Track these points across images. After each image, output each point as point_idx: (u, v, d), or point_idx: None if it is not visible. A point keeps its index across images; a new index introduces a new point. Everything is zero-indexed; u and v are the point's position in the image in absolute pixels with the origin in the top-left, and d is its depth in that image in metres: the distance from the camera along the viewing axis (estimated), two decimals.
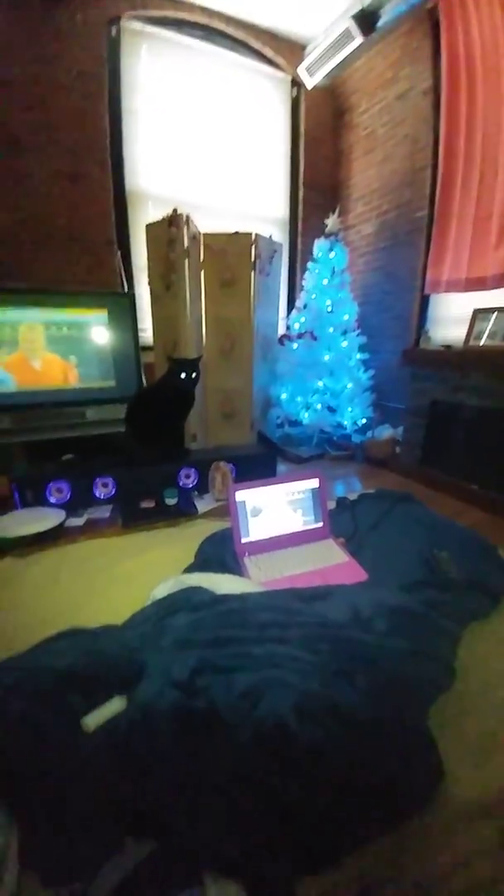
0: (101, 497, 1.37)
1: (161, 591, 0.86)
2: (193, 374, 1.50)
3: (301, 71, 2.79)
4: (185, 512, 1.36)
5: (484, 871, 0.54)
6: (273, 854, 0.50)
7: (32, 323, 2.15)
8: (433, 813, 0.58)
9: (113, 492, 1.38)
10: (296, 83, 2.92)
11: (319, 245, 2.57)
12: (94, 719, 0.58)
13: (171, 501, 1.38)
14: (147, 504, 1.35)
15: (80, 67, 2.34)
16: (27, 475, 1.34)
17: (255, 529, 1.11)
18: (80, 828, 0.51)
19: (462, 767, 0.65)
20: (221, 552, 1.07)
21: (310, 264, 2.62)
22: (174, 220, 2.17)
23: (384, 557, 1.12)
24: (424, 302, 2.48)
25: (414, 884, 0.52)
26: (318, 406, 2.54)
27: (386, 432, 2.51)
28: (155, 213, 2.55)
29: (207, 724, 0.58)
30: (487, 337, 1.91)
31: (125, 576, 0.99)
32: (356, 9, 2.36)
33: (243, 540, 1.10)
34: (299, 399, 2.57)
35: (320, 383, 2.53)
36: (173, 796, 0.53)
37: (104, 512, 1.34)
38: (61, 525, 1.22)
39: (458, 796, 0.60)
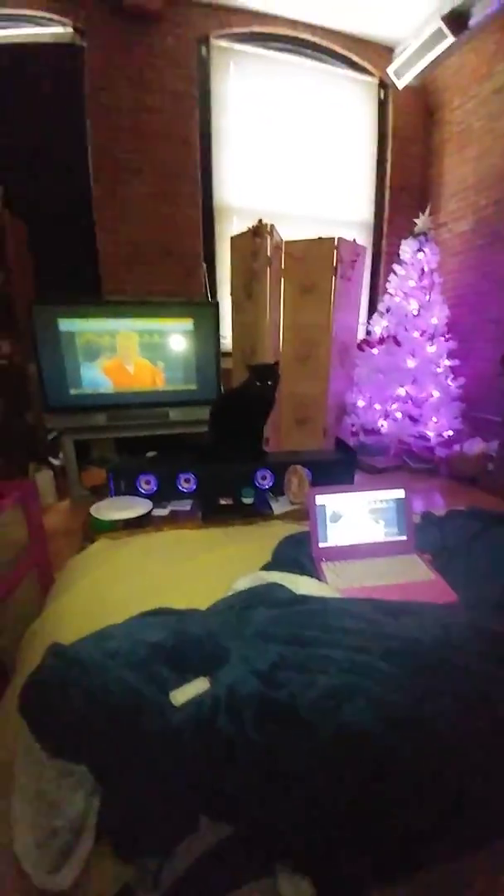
0: (184, 491, 1.45)
1: (242, 583, 0.88)
2: (269, 382, 1.53)
3: (389, 73, 2.75)
4: (260, 512, 1.38)
5: None
6: (347, 855, 0.49)
7: (128, 331, 2.38)
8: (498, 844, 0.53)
9: (194, 487, 1.45)
10: (383, 84, 2.88)
11: (407, 245, 2.46)
12: (182, 694, 0.62)
13: (247, 500, 1.41)
14: (225, 501, 1.40)
15: (171, 88, 2.53)
16: (121, 467, 1.47)
17: (334, 535, 1.09)
18: (162, 800, 0.52)
19: None
20: (298, 554, 1.06)
21: (395, 267, 2.53)
22: (258, 231, 2.26)
23: (476, 581, 1.02)
24: None
25: None
26: (399, 415, 2.42)
27: (476, 446, 2.30)
28: (240, 226, 2.68)
29: (287, 717, 0.58)
30: None
31: (206, 565, 1.03)
32: (446, 9, 2.30)
33: (321, 544, 1.08)
34: (377, 407, 2.47)
35: (402, 391, 2.41)
36: (252, 781, 0.54)
37: (185, 505, 1.42)
38: (149, 514, 1.32)
39: None
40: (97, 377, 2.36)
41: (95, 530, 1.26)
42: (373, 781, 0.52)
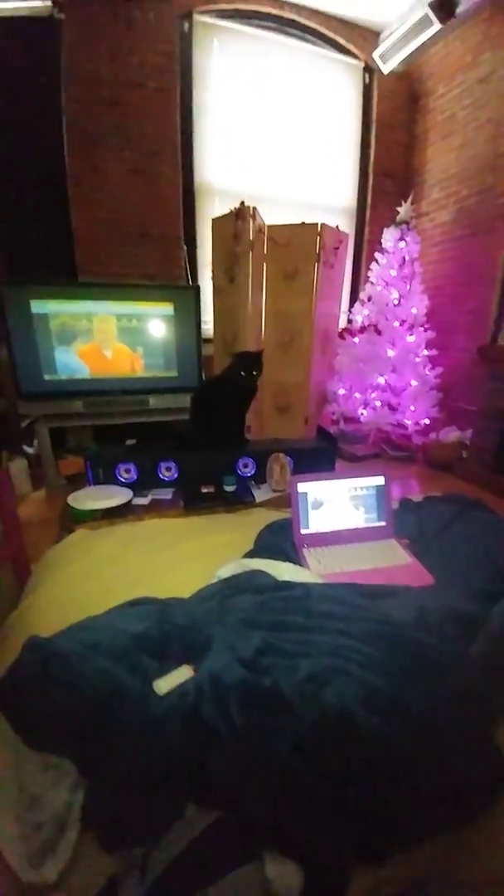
0: (165, 479, 1.43)
1: (225, 571, 0.88)
2: (254, 371, 1.51)
3: (375, 57, 2.69)
4: (242, 499, 1.38)
5: None
6: (330, 836, 0.50)
7: (105, 315, 2.29)
8: (491, 819, 0.55)
9: (175, 475, 1.44)
10: (368, 69, 2.81)
11: (389, 234, 2.46)
12: (165, 683, 0.62)
13: (229, 488, 1.41)
14: (207, 489, 1.39)
15: (152, 63, 2.40)
16: (99, 455, 1.43)
17: (316, 522, 1.10)
18: (147, 790, 0.52)
19: None
20: (281, 541, 1.07)
21: (377, 255, 2.52)
22: (240, 214, 2.20)
23: (451, 563, 1.06)
24: None
25: (464, 884, 0.51)
26: (378, 403, 2.45)
27: (452, 434, 2.37)
28: (221, 207, 2.60)
29: (271, 702, 0.59)
30: None
31: (188, 554, 1.03)
32: None
33: (303, 531, 1.09)
34: (357, 395, 2.50)
35: (381, 379, 2.43)
36: (236, 766, 0.54)
37: (167, 494, 1.41)
38: (129, 503, 1.30)
39: None
40: (73, 362, 2.27)
41: (74, 520, 1.23)
42: (355, 762, 0.53)
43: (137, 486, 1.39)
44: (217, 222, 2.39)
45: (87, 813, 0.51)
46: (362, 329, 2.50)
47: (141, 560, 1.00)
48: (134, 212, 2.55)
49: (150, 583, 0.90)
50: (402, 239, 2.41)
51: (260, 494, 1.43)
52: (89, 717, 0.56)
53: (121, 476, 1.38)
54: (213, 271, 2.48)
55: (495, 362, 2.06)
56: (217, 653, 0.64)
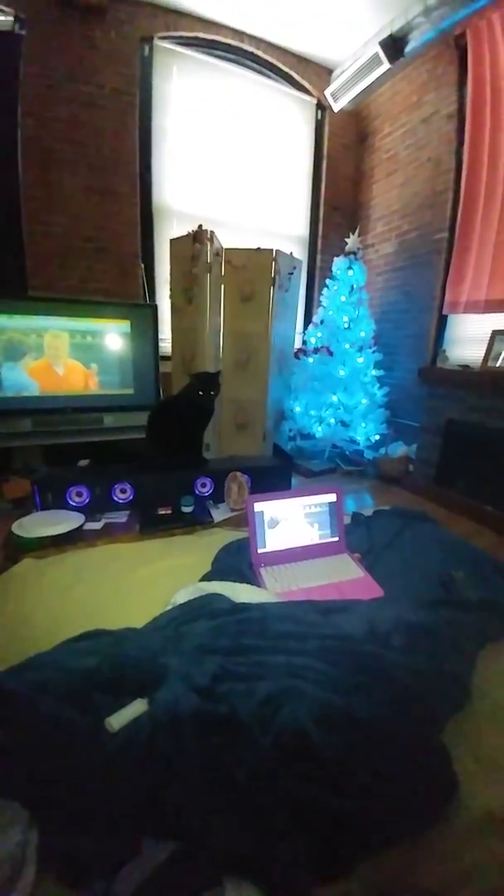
0: (120, 502, 1.39)
1: (181, 596, 0.87)
2: (211, 391, 1.54)
3: (327, 95, 2.86)
4: (200, 520, 1.38)
5: (494, 882, 0.54)
6: (290, 856, 0.51)
7: (58, 331, 2.22)
8: (446, 824, 0.59)
9: (131, 497, 1.40)
10: (321, 106, 3.00)
11: (338, 263, 2.62)
12: (117, 720, 0.60)
13: (187, 509, 1.40)
14: (164, 511, 1.37)
15: (112, 85, 2.43)
16: (49, 478, 1.37)
17: (272, 541, 1.13)
18: (102, 827, 0.52)
19: (474, 783, 0.65)
20: (238, 562, 1.08)
21: (328, 281, 2.67)
22: (198, 236, 2.24)
23: (399, 574, 1.12)
24: (442, 322, 2.50)
25: (425, 891, 0.53)
26: (332, 420, 2.56)
27: (399, 449, 2.52)
28: (179, 229, 2.63)
29: (229, 729, 0.59)
30: None
31: (143, 581, 1.01)
32: (385, 34, 2.36)
33: (260, 550, 1.11)
34: (313, 413, 2.59)
35: (334, 398, 2.55)
36: (194, 795, 0.54)
37: (121, 517, 1.37)
38: (80, 528, 1.25)
39: (470, 810, 0.61)
40: (21, 379, 2.17)
41: (19, 549, 1.16)
42: (312, 779, 0.55)
43: (90, 510, 1.34)
44: (175, 243, 2.42)
45: (43, 849, 0.50)
46: (316, 350, 2.62)
47: (93, 589, 0.96)
48: (91, 228, 2.51)
49: (104, 613, 0.87)
50: (349, 268, 2.58)
51: (218, 514, 1.44)
52: (39, 760, 0.54)
53: (72, 500, 1.33)
54: (171, 291, 2.49)
55: (434, 383, 2.24)
56: (172, 683, 0.63)
